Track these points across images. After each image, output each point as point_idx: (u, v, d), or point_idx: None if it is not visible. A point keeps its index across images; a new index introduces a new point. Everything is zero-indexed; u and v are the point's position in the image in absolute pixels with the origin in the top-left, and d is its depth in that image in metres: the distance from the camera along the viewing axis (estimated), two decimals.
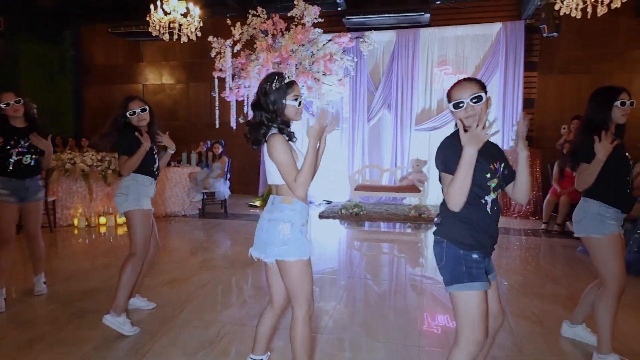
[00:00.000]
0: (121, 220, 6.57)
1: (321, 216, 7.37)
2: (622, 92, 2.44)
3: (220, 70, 8.32)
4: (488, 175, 1.82)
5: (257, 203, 8.40)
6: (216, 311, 3.33)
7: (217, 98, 8.53)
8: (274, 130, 2.06)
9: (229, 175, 7.56)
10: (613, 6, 4.84)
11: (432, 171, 8.01)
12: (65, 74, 10.76)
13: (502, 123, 8.14)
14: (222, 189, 7.20)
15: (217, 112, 8.41)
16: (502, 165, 1.91)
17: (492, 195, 1.85)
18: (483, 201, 1.84)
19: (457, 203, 1.76)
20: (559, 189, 6.34)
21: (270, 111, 2.08)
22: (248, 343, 2.71)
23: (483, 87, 1.87)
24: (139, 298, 3.36)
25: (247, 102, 8.47)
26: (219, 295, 3.74)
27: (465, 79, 1.91)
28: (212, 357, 2.62)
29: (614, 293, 2.41)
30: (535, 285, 4.00)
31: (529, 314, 3.30)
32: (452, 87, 1.91)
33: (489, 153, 1.87)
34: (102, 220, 6.51)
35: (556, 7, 5.23)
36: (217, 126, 8.38)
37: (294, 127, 2.24)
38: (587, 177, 2.40)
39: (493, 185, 1.84)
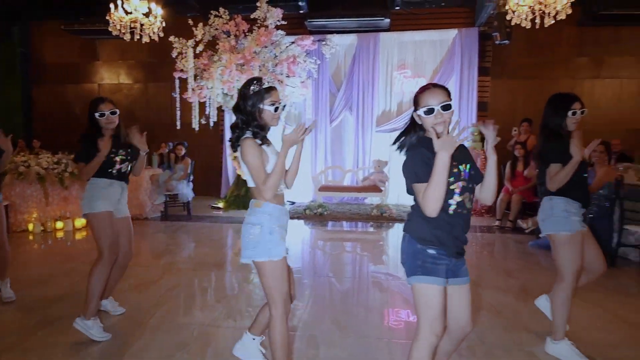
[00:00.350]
0: (79, 224, 6.37)
1: None
2: (575, 101, 2.62)
3: (182, 70, 8.21)
4: (451, 179, 1.86)
5: (221, 205, 8.35)
6: (188, 314, 3.34)
7: (178, 99, 8.42)
8: (248, 134, 2.13)
9: (192, 177, 7.49)
10: (559, 18, 5.22)
11: (392, 171, 8.25)
12: (13, 72, 10.24)
13: (459, 124, 8.51)
14: (186, 190, 7.12)
15: (178, 113, 8.27)
16: (468, 166, 1.94)
17: (459, 198, 1.88)
18: (446, 204, 1.87)
19: (434, 209, 1.80)
20: (511, 187, 6.73)
21: (246, 115, 2.14)
22: (225, 344, 2.77)
23: (449, 94, 1.94)
24: (111, 301, 3.31)
25: (209, 104, 8.40)
26: (189, 298, 3.74)
27: (433, 85, 1.95)
28: (188, 358, 2.64)
29: (573, 286, 2.62)
30: (491, 279, 4.26)
31: (488, 306, 3.53)
32: (420, 92, 1.94)
33: (453, 156, 1.84)
34: (59, 224, 6.28)
35: (508, 17, 5.57)
36: (179, 127, 8.25)
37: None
38: (563, 177, 2.55)
39: (457, 188, 1.87)
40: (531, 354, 2.74)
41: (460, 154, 1.93)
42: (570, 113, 2.61)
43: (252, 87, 2.14)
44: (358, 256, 5.39)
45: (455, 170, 1.88)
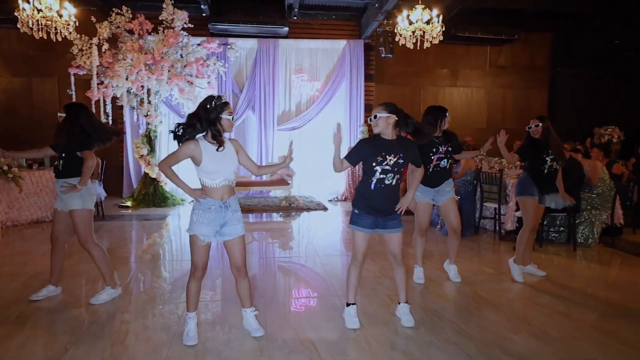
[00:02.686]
0: None
1: None
2: (446, 110, 3.91)
3: (79, 67, 7.96)
4: (374, 164, 2.93)
5: (129, 203, 8.34)
6: (163, 296, 3.77)
7: (74, 96, 8.13)
8: (199, 136, 2.80)
9: (102, 177, 7.40)
10: (435, 41, 6.63)
11: (295, 166, 9.11)
12: None
13: (349, 124, 9.76)
14: (99, 190, 7.05)
15: None
16: (394, 157, 2.94)
17: (378, 177, 2.93)
18: (369, 180, 2.95)
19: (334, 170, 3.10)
20: None
21: (206, 122, 2.75)
22: (206, 314, 3.33)
23: (385, 109, 2.98)
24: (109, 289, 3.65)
25: (109, 101, 8.21)
26: (154, 283, 4.13)
27: (379, 103, 3.08)
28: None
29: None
30: None
31: None
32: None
33: (385, 148, 2.94)
34: None
35: (396, 38, 6.82)
36: None
37: None
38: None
39: (379, 170, 2.91)
40: None
41: (395, 147, 2.98)
42: (447, 116, 3.90)
43: (214, 102, 2.79)
44: (269, 244, 6.12)
45: (380, 157, 2.93)
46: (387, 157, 2.93)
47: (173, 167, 2.80)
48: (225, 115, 2.77)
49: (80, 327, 3.11)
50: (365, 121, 9.57)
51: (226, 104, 2.82)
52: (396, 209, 3.04)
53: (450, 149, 3.92)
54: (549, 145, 3.98)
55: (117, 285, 3.70)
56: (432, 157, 3.86)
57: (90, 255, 3.58)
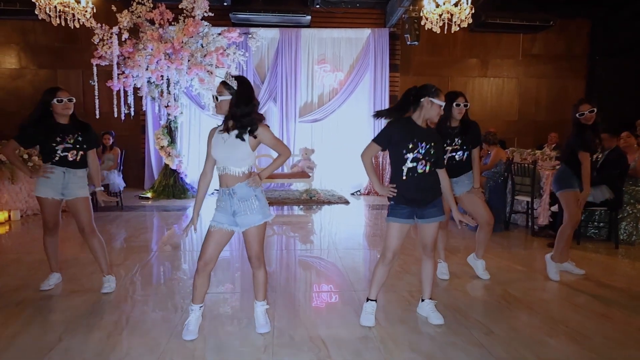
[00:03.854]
0: (2, 217, 6.01)
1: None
2: (460, 96, 3.49)
3: (101, 57, 7.93)
4: (404, 151, 2.65)
5: (149, 194, 8.29)
6: (167, 287, 3.59)
7: (97, 87, 8.12)
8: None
9: (121, 167, 7.36)
10: (463, 25, 6.25)
11: (317, 158, 8.87)
12: None
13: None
14: (117, 180, 7.01)
15: (97, 101, 7.98)
16: (426, 145, 2.67)
17: (408, 165, 2.65)
18: (400, 169, 2.68)
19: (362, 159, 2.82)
20: None
21: (249, 111, 2.54)
22: (213, 306, 3.13)
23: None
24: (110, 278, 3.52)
25: (131, 92, 8.21)
26: (160, 274, 3.97)
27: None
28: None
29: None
30: None
31: None
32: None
33: (417, 134, 2.67)
34: None
35: (422, 23, 6.47)
36: (98, 117, 7.98)
37: None
38: None
39: (410, 158, 2.64)
40: None
41: (427, 134, 2.71)
42: (454, 104, 3.45)
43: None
44: (291, 238, 5.90)
45: (411, 145, 2.65)
46: (420, 144, 2.66)
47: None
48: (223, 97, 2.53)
49: (79, 316, 2.95)
50: None
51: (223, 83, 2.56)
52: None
53: (465, 140, 3.56)
54: (598, 133, 3.60)
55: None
56: (446, 148, 3.54)
57: (91, 244, 3.44)
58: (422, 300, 2.95)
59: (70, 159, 3.29)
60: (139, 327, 2.80)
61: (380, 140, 2.74)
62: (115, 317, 2.94)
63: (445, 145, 3.50)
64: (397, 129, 2.70)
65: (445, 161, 3.47)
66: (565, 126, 3.77)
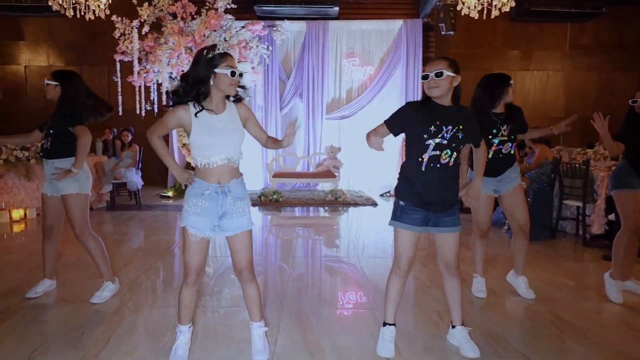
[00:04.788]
0: (17, 215, 5.89)
1: None
2: (510, 80, 3.07)
3: (123, 53, 7.78)
4: (425, 136, 2.17)
5: (170, 193, 8.07)
6: (166, 297, 3.25)
7: (119, 83, 7.98)
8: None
9: (140, 165, 7.16)
10: (503, 10, 5.63)
11: (345, 157, 8.41)
12: None
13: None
14: (135, 179, 6.80)
15: (119, 98, 7.82)
16: (452, 128, 2.18)
17: (430, 153, 2.18)
18: (420, 159, 2.20)
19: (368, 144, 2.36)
20: None
21: (194, 81, 2.11)
22: (209, 323, 2.75)
23: (450, 65, 2.17)
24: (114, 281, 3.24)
25: (154, 89, 8.06)
26: (161, 281, 3.63)
27: (438, 57, 2.27)
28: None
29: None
30: None
31: None
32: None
33: (441, 115, 2.18)
34: None
35: (458, 8, 5.90)
36: (121, 113, 7.82)
37: None
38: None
39: (432, 144, 2.17)
40: None
41: (450, 116, 2.21)
42: (510, 84, 3.05)
43: (205, 52, 2.11)
44: (315, 240, 5.46)
45: (433, 128, 2.17)
46: (444, 127, 2.18)
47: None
48: (221, 70, 2.08)
49: (59, 330, 2.63)
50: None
51: (224, 55, 2.13)
52: (461, 196, 2.35)
53: (512, 128, 3.05)
54: None
55: (116, 279, 3.23)
56: (493, 141, 3.01)
57: (86, 247, 3.11)
58: (453, 327, 2.44)
59: (44, 147, 3.02)
60: (120, 348, 2.44)
61: (393, 122, 2.30)
62: (96, 335, 2.58)
63: (490, 136, 2.98)
64: (414, 110, 2.26)
65: (490, 155, 2.95)
66: (616, 124, 3.20)
